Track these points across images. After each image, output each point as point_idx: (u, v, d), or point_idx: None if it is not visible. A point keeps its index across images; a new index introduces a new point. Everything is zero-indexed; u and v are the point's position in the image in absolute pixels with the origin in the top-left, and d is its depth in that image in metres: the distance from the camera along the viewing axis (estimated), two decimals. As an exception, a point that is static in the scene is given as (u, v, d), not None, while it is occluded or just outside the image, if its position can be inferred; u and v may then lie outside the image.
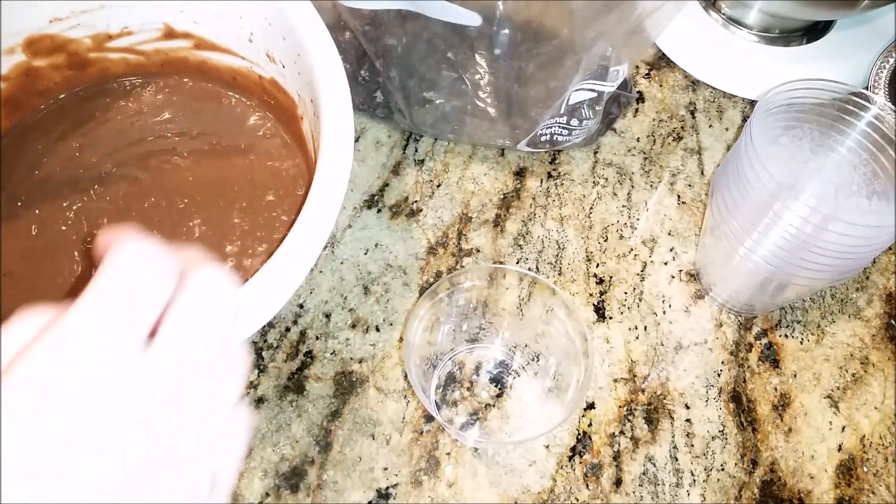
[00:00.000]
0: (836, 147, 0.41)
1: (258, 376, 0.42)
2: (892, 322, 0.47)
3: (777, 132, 0.41)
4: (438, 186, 0.50)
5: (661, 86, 0.56)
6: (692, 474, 0.41)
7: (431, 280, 0.46)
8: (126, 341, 0.19)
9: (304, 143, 0.47)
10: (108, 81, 0.50)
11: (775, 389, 0.44)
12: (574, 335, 0.39)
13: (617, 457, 0.41)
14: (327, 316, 0.44)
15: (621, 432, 0.42)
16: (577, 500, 0.40)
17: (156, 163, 0.47)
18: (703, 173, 0.52)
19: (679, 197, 0.51)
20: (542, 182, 0.51)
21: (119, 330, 0.19)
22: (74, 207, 0.45)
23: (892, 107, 0.38)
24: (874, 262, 0.49)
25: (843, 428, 0.43)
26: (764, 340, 0.45)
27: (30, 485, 0.17)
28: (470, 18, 0.42)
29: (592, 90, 0.46)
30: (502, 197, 0.50)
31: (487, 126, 0.48)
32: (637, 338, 0.45)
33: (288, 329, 0.44)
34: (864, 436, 0.42)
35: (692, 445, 0.42)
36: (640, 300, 0.46)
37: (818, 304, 0.47)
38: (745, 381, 0.44)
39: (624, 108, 0.53)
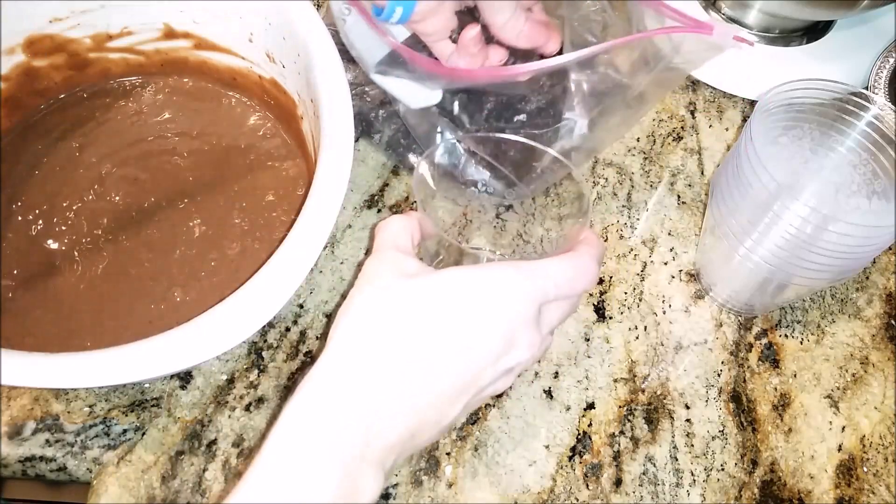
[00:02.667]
0: (836, 147, 0.41)
1: (258, 376, 0.42)
2: (892, 322, 0.47)
3: (777, 132, 0.41)
4: (438, 186, 0.50)
5: (661, 86, 0.56)
6: (692, 474, 0.41)
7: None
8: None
9: (304, 143, 0.47)
10: (108, 81, 0.50)
11: (775, 389, 0.44)
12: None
13: (617, 457, 0.41)
14: (327, 316, 0.44)
15: (621, 432, 0.42)
16: (577, 500, 0.40)
17: (156, 163, 0.47)
18: (703, 173, 0.52)
19: (679, 197, 0.51)
20: (542, 182, 0.51)
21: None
22: (74, 207, 0.45)
23: (892, 107, 0.38)
24: (874, 262, 0.49)
25: (843, 428, 0.43)
26: (764, 340, 0.45)
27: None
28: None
29: None
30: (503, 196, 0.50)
31: None
32: (637, 338, 0.45)
33: (288, 329, 0.44)
34: (864, 436, 0.42)
35: (692, 445, 0.42)
36: (640, 300, 0.46)
37: (818, 304, 0.47)
38: (745, 381, 0.44)
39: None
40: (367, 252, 0.47)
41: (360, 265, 0.46)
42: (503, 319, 0.30)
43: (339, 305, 0.45)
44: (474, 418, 0.42)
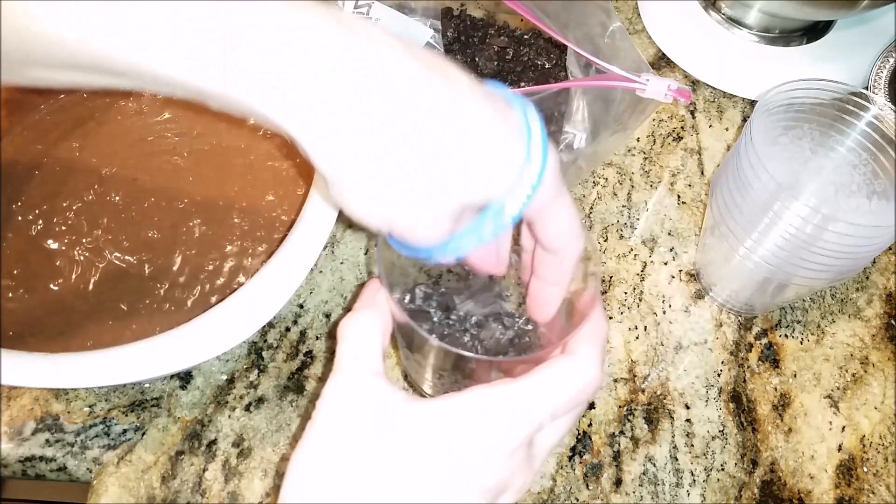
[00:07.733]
0: (836, 147, 0.41)
1: (258, 376, 0.42)
2: (892, 322, 0.47)
3: (777, 132, 0.41)
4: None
5: (661, 86, 0.56)
6: (692, 474, 0.41)
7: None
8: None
9: (304, 143, 0.47)
10: (108, 81, 0.50)
11: (775, 389, 0.44)
12: None
13: (617, 457, 0.41)
14: (327, 316, 0.44)
15: (621, 432, 0.42)
16: (577, 500, 0.40)
17: (156, 163, 0.47)
18: (703, 173, 0.52)
19: (679, 197, 0.51)
20: (542, 182, 0.51)
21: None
22: (74, 207, 0.45)
23: (892, 107, 0.38)
24: (874, 262, 0.49)
25: (843, 428, 0.43)
26: (764, 340, 0.45)
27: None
28: None
29: None
30: (502, 197, 0.50)
31: None
32: (637, 338, 0.45)
33: (288, 329, 0.44)
34: (864, 436, 0.42)
35: (692, 445, 0.42)
36: (640, 300, 0.46)
37: (818, 304, 0.47)
38: (745, 381, 0.44)
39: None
40: (367, 252, 0.47)
41: (359, 265, 0.46)
42: (488, 472, 0.26)
43: (338, 306, 0.45)
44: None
